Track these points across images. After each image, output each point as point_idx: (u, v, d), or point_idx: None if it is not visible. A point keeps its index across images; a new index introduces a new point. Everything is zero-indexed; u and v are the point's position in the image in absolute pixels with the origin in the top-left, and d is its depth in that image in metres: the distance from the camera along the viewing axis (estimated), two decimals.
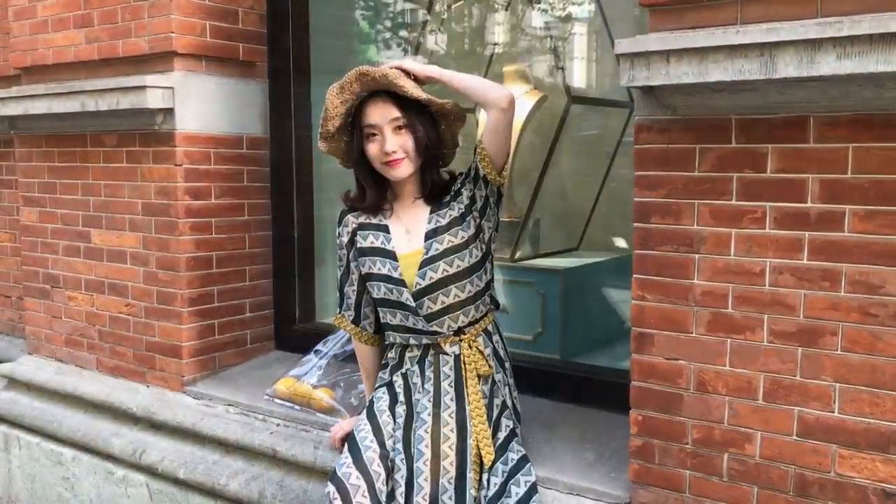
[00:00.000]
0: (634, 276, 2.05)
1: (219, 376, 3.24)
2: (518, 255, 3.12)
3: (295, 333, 3.43)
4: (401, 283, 2.23)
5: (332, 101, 2.18)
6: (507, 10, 3.90)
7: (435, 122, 2.22)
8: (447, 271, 2.20)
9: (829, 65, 1.62)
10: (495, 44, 3.95)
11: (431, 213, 2.26)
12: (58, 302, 3.55)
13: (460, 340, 2.25)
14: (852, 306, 1.78)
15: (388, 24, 4.35)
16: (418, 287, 2.21)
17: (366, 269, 2.31)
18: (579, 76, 3.53)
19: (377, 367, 2.42)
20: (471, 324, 2.26)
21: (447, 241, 2.21)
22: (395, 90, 2.13)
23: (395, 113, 2.15)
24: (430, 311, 2.21)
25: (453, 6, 3.97)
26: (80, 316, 3.47)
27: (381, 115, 2.16)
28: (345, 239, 2.36)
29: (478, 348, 2.26)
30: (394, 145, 2.16)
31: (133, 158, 3.19)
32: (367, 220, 2.32)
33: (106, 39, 3.17)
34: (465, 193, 2.25)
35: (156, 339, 3.20)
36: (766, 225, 1.86)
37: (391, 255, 2.26)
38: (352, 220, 2.35)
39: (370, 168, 2.25)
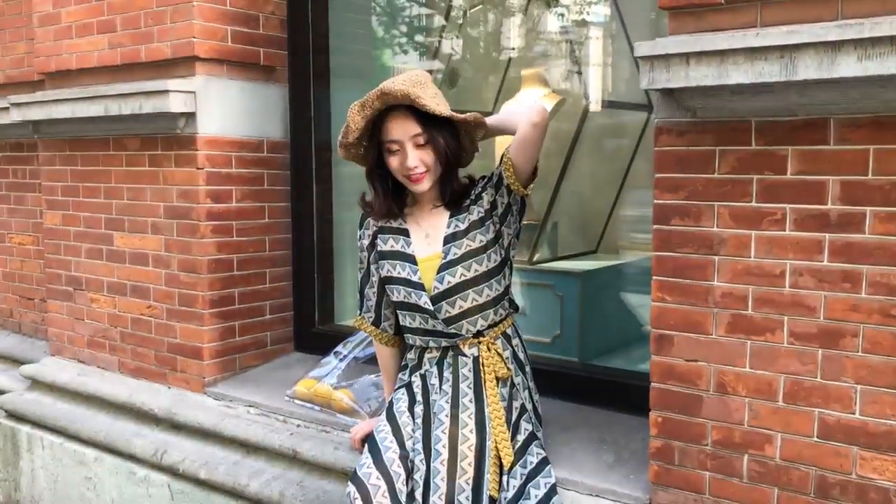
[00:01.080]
0: (654, 277, 2.05)
1: (239, 378, 3.27)
2: (536, 257, 3.14)
3: (314, 335, 3.45)
4: (420, 286, 2.25)
5: (353, 118, 2.18)
6: (524, 14, 3.92)
7: (455, 131, 2.23)
8: (465, 276, 2.21)
9: (849, 67, 1.63)
10: (512, 48, 3.97)
11: (451, 217, 2.27)
12: (80, 304, 3.59)
13: (479, 343, 2.27)
14: (873, 308, 1.78)
15: (405, 28, 4.38)
16: (437, 291, 2.23)
17: (385, 273, 2.33)
18: (596, 80, 3.54)
19: (397, 369, 2.44)
20: (490, 327, 2.28)
21: (466, 245, 2.23)
22: (416, 106, 2.13)
23: (417, 129, 2.15)
24: (448, 314, 2.23)
25: (470, 11, 3.99)
26: (103, 318, 3.51)
27: (403, 130, 2.17)
28: (365, 242, 2.39)
29: (497, 351, 2.27)
30: (415, 160, 2.17)
31: (155, 162, 3.23)
32: (388, 224, 2.34)
33: (129, 45, 3.22)
34: (486, 198, 2.26)
35: (177, 340, 3.24)
36: (786, 226, 1.86)
37: (411, 259, 2.28)
38: (372, 223, 2.37)
39: (388, 177, 2.27)
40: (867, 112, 1.74)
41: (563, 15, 3.83)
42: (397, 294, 2.30)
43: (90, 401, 3.46)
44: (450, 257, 2.23)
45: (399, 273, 2.29)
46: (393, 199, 2.32)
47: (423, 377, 2.32)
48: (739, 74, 1.75)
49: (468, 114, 2.19)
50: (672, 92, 1.92)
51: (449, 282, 2.22)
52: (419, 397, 2.30)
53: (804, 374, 1.87)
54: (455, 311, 2.22)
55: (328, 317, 3.53)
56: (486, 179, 2.29)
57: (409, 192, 2.31)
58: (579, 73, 3.22)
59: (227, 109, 3.15)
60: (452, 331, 2.23)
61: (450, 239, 2.24)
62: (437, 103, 2.13)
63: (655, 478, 2.10)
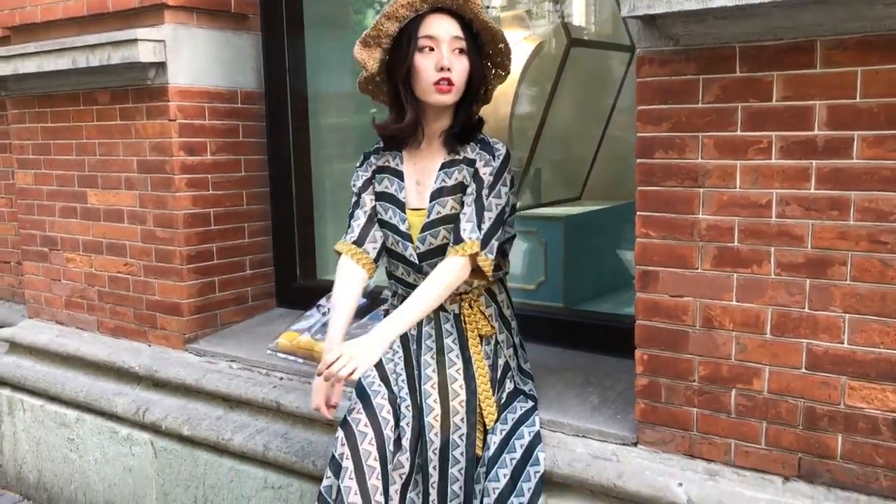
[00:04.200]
0: (638, 213, 2.01)
1: (221, 334, 3.22)
2: (519, 203, 3.09)
3: (296, 290, 3.40)
4: (407, 238, 2.19)
5: (383, 24, 2.06)
6: None
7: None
8: (447, 238, 2.15)
9: None
10: None
11: (442, 166, 2.17)
12: (56, 264, 3.52)
13: (461, 300, 2.22)
14: (861, 235, 1.74)
15: None
16: (419, 251, 2.18)
17: (379, 214, 2.27)
18: (578, 19, 3.47)
19: (355, 302, 2.26)
20: (473, 285, 2.22)
21: (450, 206, 2.15)
22: (467, 9, 2.04)
23: (459, 32, 2.06)
24: (430, 272, 2.17)
25: None
26: (80, 277, 3.44)
27: (445, 29, 2.05)
28: (359, 182, 2.27)
29: (479, 309, 2.23)
30: (450, 61, 2.06)
31: (127, 115, 3.14)
32: (386, 164, 2.26)
33: None
34: (474, 170, 2.13)
35: (156, 297, 3.18)
36: (772, 155, 1.82)
37: (401, 206, 2.21)
38: (373, 161, 2.29)
39: (409, 90, 2.12)
40: (854, 32, 1.69)
41: None
42: (387, 239, 2.24)
43: (70, 362, 3.41)
44: (433, 216, 2.16)
45: (390, 218, 2.22)
46: (414, 114, 2.14)
47: None
48: None
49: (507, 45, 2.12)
50: (654, 19, 1.86)
51: (430, 243, 2.16)
52: (395, 345, 2.25)
53: (792, 305, 1.83)
54: None
55: (310, 271, 3.47)
56: (483, 155, 2.15)
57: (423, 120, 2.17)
58: (561, 11, 3.13)
59: (199, 59, 3.06)
60: None
61: (436, 195, 2.17)
62: (486, 19, 2.06)
63: (642, 416, 2.08)
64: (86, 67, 3.06)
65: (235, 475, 2.77)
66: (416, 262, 2.19)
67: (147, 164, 3.10)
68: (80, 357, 3.34)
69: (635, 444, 2.10)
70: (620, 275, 3.02)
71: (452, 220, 2.14)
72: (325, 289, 3.00)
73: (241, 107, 3.23)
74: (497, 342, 2.25)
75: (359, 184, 2.30)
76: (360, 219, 2.27)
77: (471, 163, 2.15)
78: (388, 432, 2.10)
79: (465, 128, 2.16)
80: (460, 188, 2.16)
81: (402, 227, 2.20)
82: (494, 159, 2.13)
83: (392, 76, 2.15)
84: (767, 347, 1.88)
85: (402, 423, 2.12)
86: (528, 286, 2.98)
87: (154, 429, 3.00)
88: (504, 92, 3.11)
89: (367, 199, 2.28)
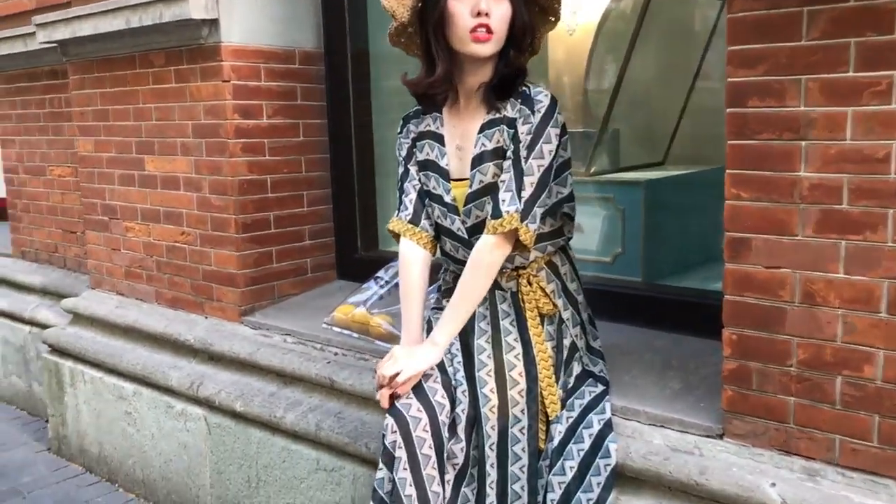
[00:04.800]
0: (728, 171, 1.74)
1: (278, 306, 3.08)
2: (594, 168, 2.82)
3: (357, 262, 3.23)
4: (454, 210, 1.97)
5: None
6: None
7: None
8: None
9: None
10: None
11: (482, 128, 1.92)
12: (116, 234, 3.44)
13: (518, 276, 1.99)
14: None
15: None
16: (466, 225, 1.96)
17: (424, 185, 2.06)
18: None
19: (425, 289, 2.07)
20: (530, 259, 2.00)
21: (491, 172, 1.91)
22: None
23: None
24: None
25: None
26: (138, 247, 3.35)
27: None
28: (403, 152, 2.08)
29: (539, 284, 1.99)
30: (489, 6, 1.81)
31: (181, 77, 3.01)
32: (426, 128, 2.04)
33: None
34: (513, 132, 1.88)
35: (212, 268, 3.06)
36: (891, 99, 1.52)
37: (445, 175, 1.99)
38: (412, 129, 2.08)
39: (442, 40, 1.89)
40: None
41: None
42: (433, 212, 2.04)
43: (129, 333, 3.33)
44: (475, 186, 1.93)
45: (434, 189, 2.01)
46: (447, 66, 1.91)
47: None
48: None
49: None
50: None
51: (477, 216, 1.94)
52: None
53: None
54: None
55: (372, 242, 3.29)
56: (523, 111, 1.88)
57: (459, 76, 1.94)
58: None
59: (253, 16, 2.90)
60: None
61: (476, 161, 1.93)
62: None
63: (729, 405, 1.81)
64: (139, 27, 2.95)
65: (288, 455, 2.63)
66: (466, 236, 1.96)
67: (202, 128, 2.96)
68: (137, 329, 3.25)
69: (721, 437, 1.84)
70: (707, 247, 2.72)
71: (496, 188, 1.90)
72: (387, 260, 2.83)
73: (300, 68, 3.06)
74: (561, 320, 2.01)
75: (403, 153, 2.09)
76: (411, 193, 2.06)
77: (511, 122, 1.90)
78: (444, 417, 1.90)
79: (504, 80, 1.90)
80: (501, 153, 1.91)
81: (447, 199, 1.98)
82: (533, 114, 1.86)
83: (424, 24, 1.91)
84: (882, 328, 1.59)
85: (458, 410, 1.91)
86: (603, 258, 2.72)
87: (208, 404, 2.88)
88: (579, 45, 2.85)
89: (414, 171, 2.07)
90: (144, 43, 3.07)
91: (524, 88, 1.92)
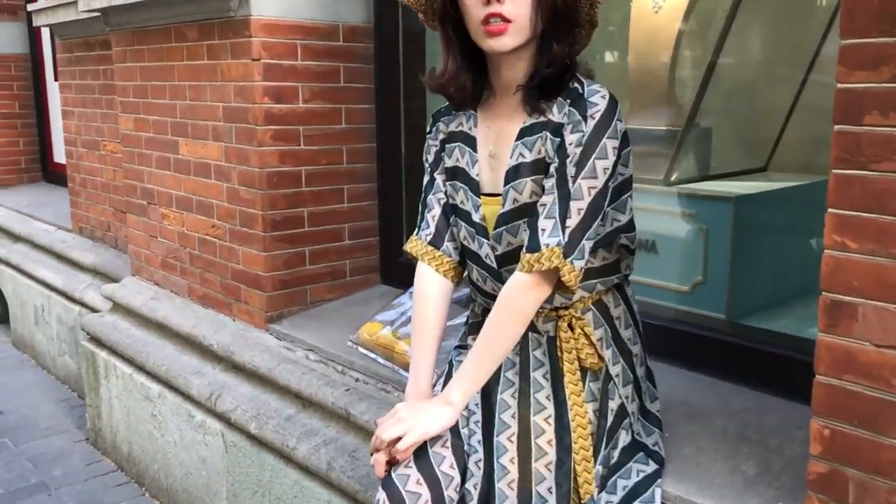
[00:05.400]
0: (830, 210, 1.27)
1: (309, 313, 2.76)
2: (675, 176, 2.34)
3: (404, 266, 2.85)
4: (482, 231, 1.58)
5: None
6: None
7: None
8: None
9: None
10: None
11: (521, 134, 1.51)
12: (153, 220, 3.20)
13: (558, 317, 1.58)
14: None
15: None
16: (496, 252, 1.56)
17: (450, 201, 1.67)
18: None
19: (442, 326, 1.69)
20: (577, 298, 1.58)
21: (529, 190, 1.50)
22: None
23: None
24: None
25: None
26: (173, 236, 3.10)
27: None
28: (430, 157, 1.69)
29: (583, 329, 1.58)
30: None
31: (213, 54, 2.70)
32: (458, 128, 1.65)
33: None
34: (559, 141, 1.46)
35: (240, 266, 2.76)
36: None
37: (475, 187, 1.59)
38: (442, 128, 1.69)
39: (460, 31, 1.52)
40: None
41: None
42: (459, 231, 1.65)
43: (160, 329, 3.09)
44: (509, 205, 1.52)
45: (462, 203, 1.62)
46: (469, 74, 1.54)
47: None
48: None
49: None
50: None
51: (509, 242, 1.54)
52: None
53: None
54: None
55: None
56: (573, 116, 1.46)
57: (491, 66, 1.55)
58: None
59: None
60: None
61: (511, 175, 1.52)
62: None
63: None
64: None
65: (300, 490, 2.31)
66: (495, 265, 1.57)
67: (232, 111, 2.66)
68: (167, 326, 3.01)
69: None
70: (809, 278, 2.22)
71: (534, 210, 1.49)
72: None
73: (343, 45, 2.70)
74: (609, 377, 1.60)
75: (430, 158, 1.70)
76: (434, 208, 1.68)
77: (556, 129, 1.48)
78: (452, 493, 1.52)
79: (546, 81, 1.48)
80: (542, 166, 1.49)
81: (476, 217, 1.58)
82: (585, 121, 1.44)
83: (435, 15, 1.55)
84: None
85: (469, 485, 1.53)
86: (679, 287, 2.25)
87: (225, 419, 2.60)
88: (666, 25, 2.37)
89: (441, 181, 1.68)
90: (176, 14, 2.78)
91: (576, 85, 1.49)
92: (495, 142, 1.57)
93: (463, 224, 1.63)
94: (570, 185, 1.44)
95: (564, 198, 1.43)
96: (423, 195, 1.72)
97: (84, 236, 4.28)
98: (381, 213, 2.88)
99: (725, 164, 2.48)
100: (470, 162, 1.60)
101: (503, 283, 1.53)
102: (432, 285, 1.67)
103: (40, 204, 5.11)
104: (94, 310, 3.72)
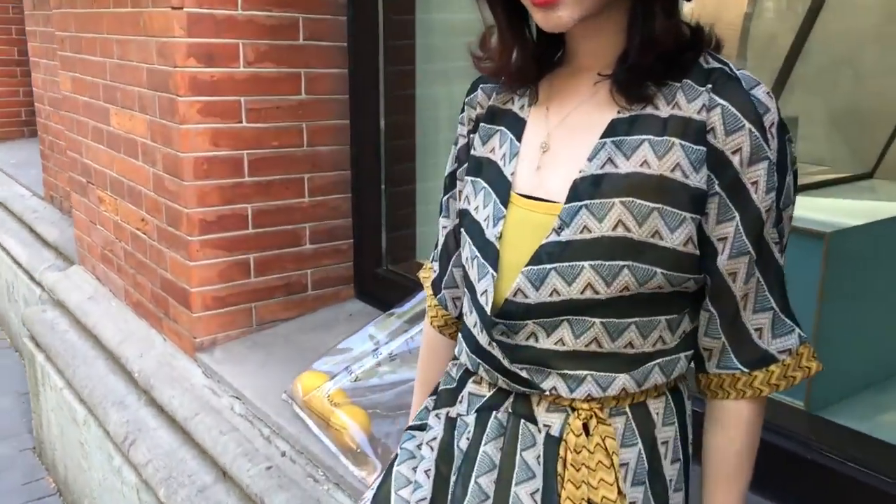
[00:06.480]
0: None
1: (254, 338, 2.15)
2: None
3: (382, 279, 2.23)
4: (492, 255, 0.93)
5: None
6: None
7: None
8: (598, 292, 0.85)
9: None
10: None
11: (610, 130, 0.88)
12: (92, 202, 2.63)
13: (571, 408, 0.93)
14: None
15: None
16: (516, 298, 0.90)
17: (461, 202, 1.02)
18: None
19: (439, 376, 1.12)
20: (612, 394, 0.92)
21: (615, 218, 0.85)
22: None
23: None
24: (522, 342, 0.91)
25: None
26: (110, 225, 2.52)
27: None
28: (463, 130, 1.07)
29: (603, 440, 0.92)
30: None
31: (136, 1, 2.07)
32: (505, 105, 1.00)
33: None
34: (715, 158, 0.83)
35: (168, 275, 2.17)
36: None
37: (503, 189, 0.95)
38: (480, 99, 1.04)
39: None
40: None
41: None
42: (462, 249, 1.02)
43: (93, 338, 2.53)
44: (575, 232, 0.86)
45: (475, 210, 0.98)
46: (525, 44, 0.96)
47: (452, 425, 1.03)
48: None
49: None
50: None
51: (555, 289, 0.87)
52: (425, 464, 1.04)
53: None
54: (543, 345, 0.90)
55: (405, 250, 2.28)
56: (735, 122, 0.82)
57: (563, 44, 0.97)
58: None
59: None
60: (520, 371, 0.92)
61: (587, 189, 0.87)
62: None
63: None
64: None
65: None
66: (487, 311, 0.92)
67: (155, 76, 2.04)
68: (96, 336, 2.45)
69: None
70: None
71: (622, 254, 0.84)
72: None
73: None
74: None
75: (456, 146, 1.09)
76: (439, 237, 1.15)
77: (695, 131, 0.84)
78: None
79: (639, 69, 0.86)
80: (660, 190, 0.84)
81: (490, 233, 0.93)
82: (764, 135, 0.83)
83: None
84: None
85: None
86: None
87: (138, 472, 2.03)
88: None
89: (458, 193, 1.10)
90: None
91: (713, 63, 0.87)
92: (557, 130, 0.92)
93: (468, 240, 0.98)
94: (777, 254, 0.89)
95: (776, 273, 0.90)
96: (441, 200, 1.13)
97: (54, 206, 3.76)
98: (356, 210, 2.23)
99: (819, 167, 1.74)
100: (508, 154, 0.95)
101: (500, 346, 0.92)
102: (428, 336, 1.22)
103: (28, 163, 4.61)
104: (51, 295, 3.19)
